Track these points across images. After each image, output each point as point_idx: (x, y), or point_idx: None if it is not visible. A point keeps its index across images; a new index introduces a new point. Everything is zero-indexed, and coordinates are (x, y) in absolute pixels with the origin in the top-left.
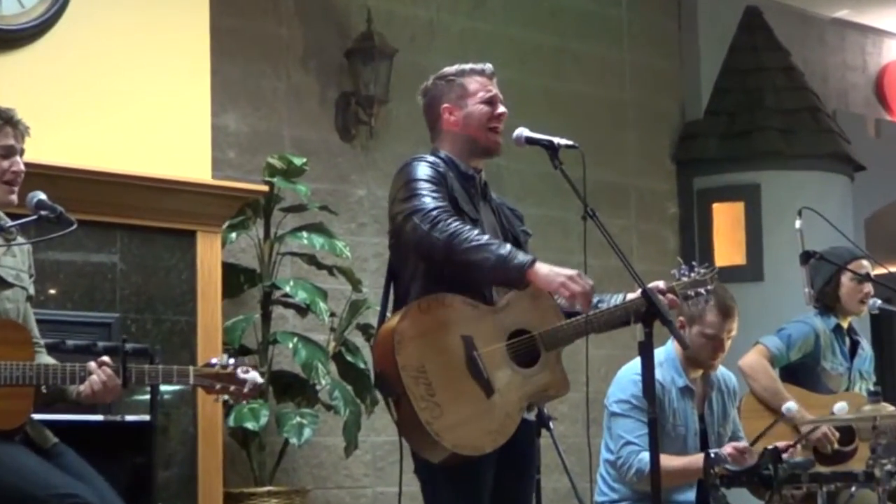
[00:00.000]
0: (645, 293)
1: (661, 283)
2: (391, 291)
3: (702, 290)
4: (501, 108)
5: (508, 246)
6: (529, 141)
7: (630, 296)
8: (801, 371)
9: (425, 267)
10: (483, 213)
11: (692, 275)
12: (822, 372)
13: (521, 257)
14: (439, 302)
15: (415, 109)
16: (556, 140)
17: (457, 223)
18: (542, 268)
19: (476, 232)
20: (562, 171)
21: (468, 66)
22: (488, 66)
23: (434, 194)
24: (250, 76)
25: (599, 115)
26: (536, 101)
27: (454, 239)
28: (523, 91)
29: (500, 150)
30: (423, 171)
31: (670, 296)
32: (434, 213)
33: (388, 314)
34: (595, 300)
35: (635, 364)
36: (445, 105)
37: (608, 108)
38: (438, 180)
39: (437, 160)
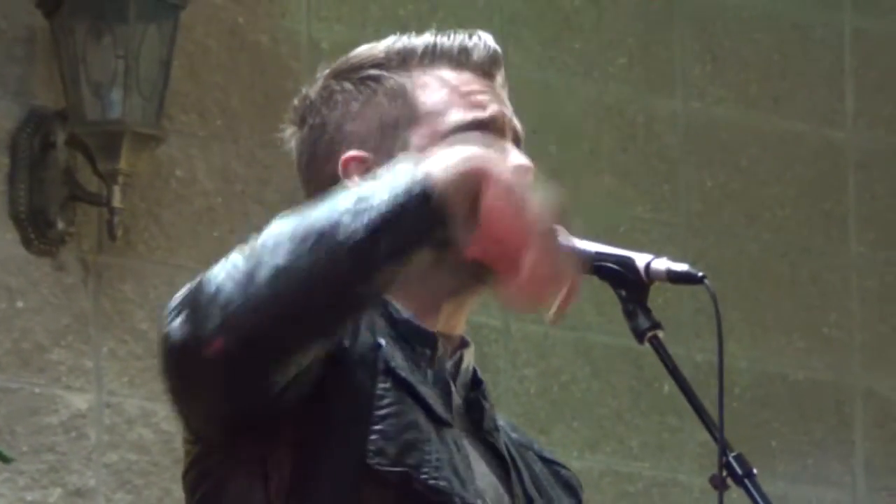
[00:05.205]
0: None
1: None
2: None
3: None
4: (517, 156)
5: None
6: (593, 265)
7: None
8: None
9: None
10: (470, 451)
11: None
12: None
13: (403, 167)
14: None
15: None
16: (652, 261)
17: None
18: (439, 162)
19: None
20: (660, 354)
21: (422, 42)
22: (482, 42)
23: None
24: None
25: (772, 220)
26: (612, 157)
27: (253, 257)
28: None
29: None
30: None
31: None
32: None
33: None
34: None
35: None
36: (351, 154)
37: (804, 199)
38: None
39: None
